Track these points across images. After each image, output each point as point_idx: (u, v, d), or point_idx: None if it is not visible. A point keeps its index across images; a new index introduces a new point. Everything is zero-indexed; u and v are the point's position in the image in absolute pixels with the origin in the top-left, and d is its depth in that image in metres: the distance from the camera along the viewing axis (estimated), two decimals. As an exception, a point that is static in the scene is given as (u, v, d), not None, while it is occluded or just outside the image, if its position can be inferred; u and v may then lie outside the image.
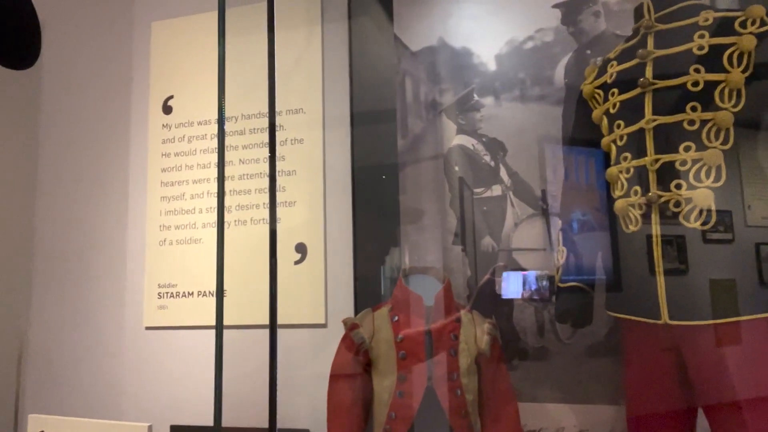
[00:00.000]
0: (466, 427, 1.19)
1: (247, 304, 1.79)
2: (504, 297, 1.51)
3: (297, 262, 1.76)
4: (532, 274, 1.51)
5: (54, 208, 2.02)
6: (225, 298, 1.82)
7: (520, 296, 1.51)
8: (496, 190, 1.60)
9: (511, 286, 1.53)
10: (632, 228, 1.13)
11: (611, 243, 1.25)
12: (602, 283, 1.33)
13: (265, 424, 1.79)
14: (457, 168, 1.64)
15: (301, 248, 1.77)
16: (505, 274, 1.53)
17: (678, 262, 1.06)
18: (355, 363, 1.24)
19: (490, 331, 1.25)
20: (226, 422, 1.57)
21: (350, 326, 1.26)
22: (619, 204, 1.16)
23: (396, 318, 1.24)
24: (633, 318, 1.14)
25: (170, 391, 1.83)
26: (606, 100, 1.21)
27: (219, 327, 1.39)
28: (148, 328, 1.87)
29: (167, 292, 1.88)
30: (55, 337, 1.95)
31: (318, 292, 1.72)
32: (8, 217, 2.10)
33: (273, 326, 1.54)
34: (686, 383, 1.13)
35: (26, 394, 1.94)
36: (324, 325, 1.71)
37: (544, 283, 1.49)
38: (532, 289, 1.50)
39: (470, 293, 1.55)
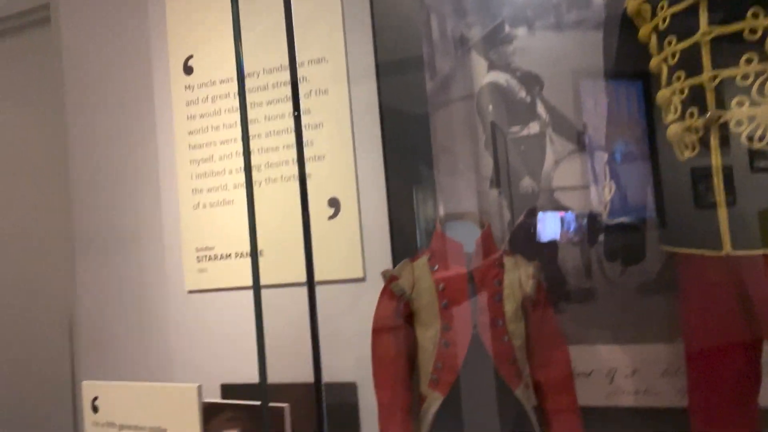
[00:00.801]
0: (514, 374, 1.15)
1: (284, 262, 1.78)
2: (542, 240, 1.44)
3: (331, 217, 1.73)
4: (570, 215, 1.44)
5: (87, 180, 2.03)
6: (262, 258, 1.82)
7: (558, 237, 1.44)
8: (534, 128, 1.51)
9: (548, 228, 1.46)
10: (688, 154, 1.04)
11: (663, 174, 1.16)
12: (654, 217, 1.25)
13: (312, 379, 1.81)
14: (490, 107, 1.55)
15: (334, 203, 1.73)
16: (540, 214, 1.46)
17: (739, 189, 0.97)
18: (397, 315, 1.21)
19: (534, 274, 1.20)
20: (273, 379, 1.58)
21: (389, 279, 1.22)
22: (672, 129, 1.06)
23: (436, 267, 1.20)
24: (691, 251, 1.07)
25: (218, 351, 1.85)
26: (654, 15, 1.09)
27: (256, 286, 1.38)
28: (190, 292, 1.89)
29: (206, 256, 1.88)
30: (101, 306, 1.99)
31: (354, 246, 1.69)
32: (46, 196, 2.13)
33: (310, 282, 1.52)
34: (750, 315, 1.06)
35: (80, 361, 2.00)
36: (363, 279, 1.69)
37: (584, 221, 1.41)
38: (571, 229, 1.43)
39: (511, 238, 1.49)
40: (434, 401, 1.14)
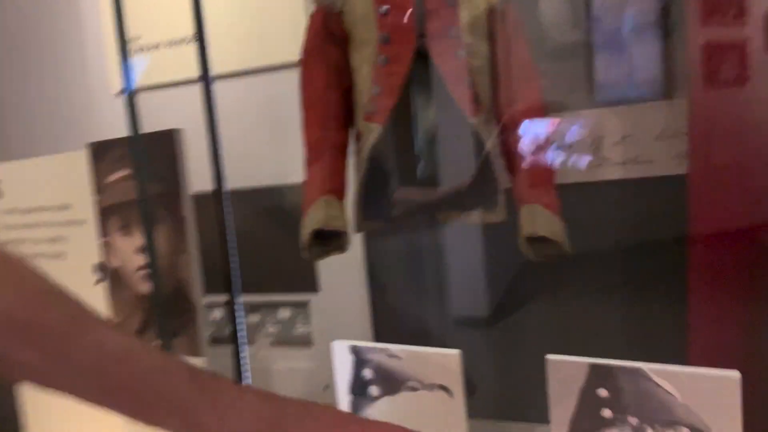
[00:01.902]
0: (471, 99, 0.92)
1: (236, 46, 1.53)
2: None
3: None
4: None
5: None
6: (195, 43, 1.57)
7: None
8: None
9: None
10: None
11: None
12: None
13: (266, 182, 1.63)
14: None
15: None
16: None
17: None
18: (327, 37, 0.97)
19: (503, -18, 0.93)
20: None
21: (316, -9, 0.95)
22: None
23: (374, -33, 0.92)
24: None
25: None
26: None
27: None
28: (117, 94, 1.64)
29: (131, 48, 1.61)
30: (27, 112, 1.76)
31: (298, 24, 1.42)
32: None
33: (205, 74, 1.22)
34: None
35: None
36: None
37: None
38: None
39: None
40: (371, 133, 0.92)
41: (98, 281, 1.11)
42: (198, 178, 1.59)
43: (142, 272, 0.90)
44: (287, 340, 1.66)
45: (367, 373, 0.87)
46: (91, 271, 1.14)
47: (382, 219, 1.04)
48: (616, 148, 1.23)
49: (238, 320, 1.13)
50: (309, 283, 1.60)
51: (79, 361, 0.40)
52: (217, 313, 1.64)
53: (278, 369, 1.70)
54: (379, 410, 0.86)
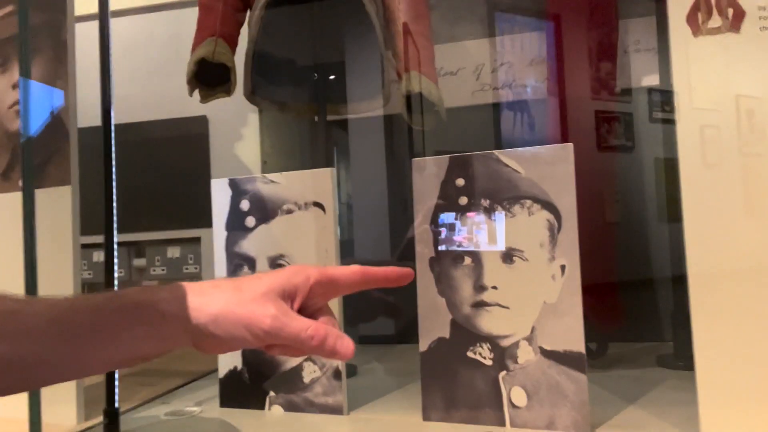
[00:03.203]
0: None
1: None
2: None
3: None
4: None
5: None
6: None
7: None
8: None
9: None
10: None
11: None
12: None
13: (156, 117, 1.62)
14: None
15: None
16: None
17: None
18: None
19: None
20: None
21: None
22: None
23: None
24: None
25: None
26: None
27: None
28: None
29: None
30: None
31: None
32: None
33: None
34: None
35: None
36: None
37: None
38: None
39: None
40: (264, -6, 0.97)
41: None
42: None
43: (15, 108, 0.87)
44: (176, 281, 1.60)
45: (245, 204, 0.88)
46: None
47: (271, 98, 1.08)
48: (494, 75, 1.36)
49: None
50: (203, 219, 1.56)
51: (37, 328, 0.39)
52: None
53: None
54: (255, 239, 0.86)
